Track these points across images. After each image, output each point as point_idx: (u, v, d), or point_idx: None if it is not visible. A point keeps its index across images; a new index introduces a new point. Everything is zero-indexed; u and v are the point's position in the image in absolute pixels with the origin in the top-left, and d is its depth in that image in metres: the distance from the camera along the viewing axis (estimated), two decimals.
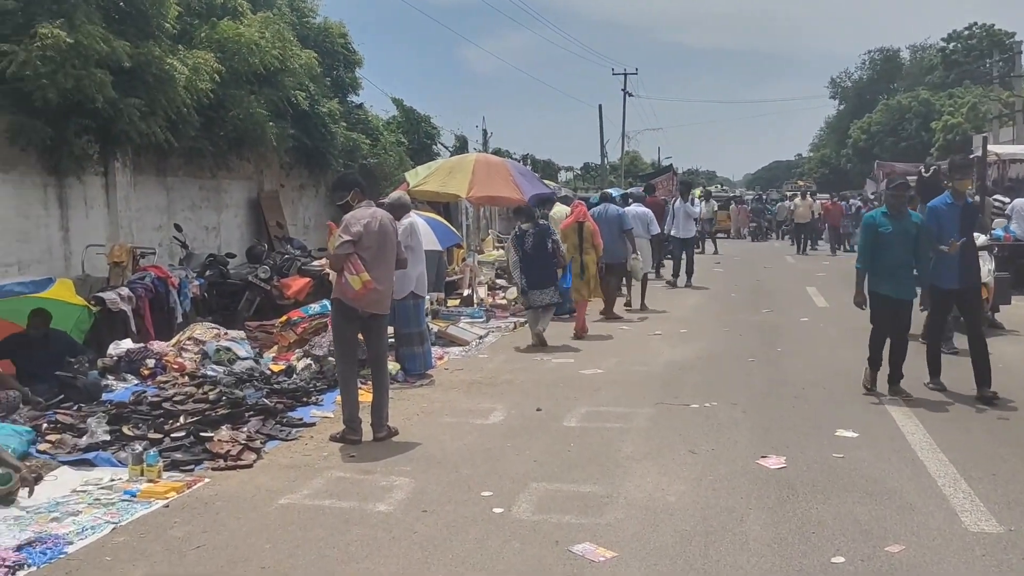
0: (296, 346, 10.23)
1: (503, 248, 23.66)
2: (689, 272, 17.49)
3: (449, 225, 13.53)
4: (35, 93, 9.71)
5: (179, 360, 8.90)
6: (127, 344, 9.07)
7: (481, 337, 11.35)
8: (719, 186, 62.54)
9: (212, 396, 7.02)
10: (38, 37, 9.62)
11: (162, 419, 6.60)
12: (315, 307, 10.89)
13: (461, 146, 27.19)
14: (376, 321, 6.77)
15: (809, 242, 27.55)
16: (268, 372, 8.62)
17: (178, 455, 5.90)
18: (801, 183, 53.74)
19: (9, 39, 9.71)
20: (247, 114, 13.13)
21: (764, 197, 49.10)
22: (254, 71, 13.54)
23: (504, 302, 14.37)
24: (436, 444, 6.44)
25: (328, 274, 13.59)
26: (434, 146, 23.98)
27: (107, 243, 11.45)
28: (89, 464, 5.86)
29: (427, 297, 12.10)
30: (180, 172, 13.53)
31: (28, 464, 5.68)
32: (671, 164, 41.01)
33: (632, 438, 6.54)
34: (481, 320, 12.48)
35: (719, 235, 31.46)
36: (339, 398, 6.90)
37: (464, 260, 16.19)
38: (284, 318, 10.63)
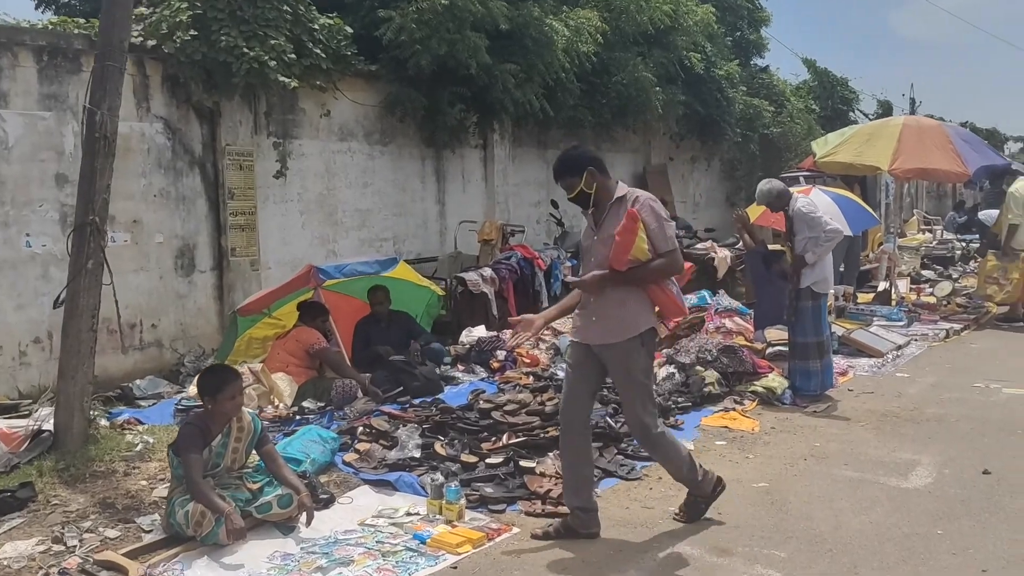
0: (667, 344, 8.79)
1: (929, 231, 20.14)
2: None
3: (863, 203, 11.12)
4: (409, 60, 9.30)
5: (532, 353, 7.89)
6: (480, 331, 8.29)
7: (899, 347, 8.96)
8: None
9: (549, 408, 5.80)
10: (414, 0, 9.17)
11: (485, 434, 5.51)
12: (692, 298, 9.36)
13: (884, 112, 23.64)
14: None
15: None
16: None
17: (489, 489, 4.74)
18: None
19: (390, 4, 9.40)
20: (632, 79, 11.86)
21: None
22: (642, 30, 12.24)
23: (932, 300, 11.58)
24: (828, 516, 4.57)
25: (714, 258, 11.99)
26: (851, 113, 20.98)
27: (482, 219, 10.94)
28: (391, 487, 4.93)
29: (831, 292, 10.00)
30: (560, 144, 12.67)
31: (325, 481, 4.91)
32: None
33: None
34: (900, 324, 9.99)
35: None
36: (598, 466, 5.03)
37: (881, 246, 13.52)
38: (656, 309, 9.22)
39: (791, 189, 10.84)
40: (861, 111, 21.59)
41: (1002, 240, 10.22)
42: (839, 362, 8.23)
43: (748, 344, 7.82)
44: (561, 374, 6.82)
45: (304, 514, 4.31)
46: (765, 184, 7.46)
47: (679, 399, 6.58)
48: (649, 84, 12.08)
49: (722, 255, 11.76)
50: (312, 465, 5.03)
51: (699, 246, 11.97)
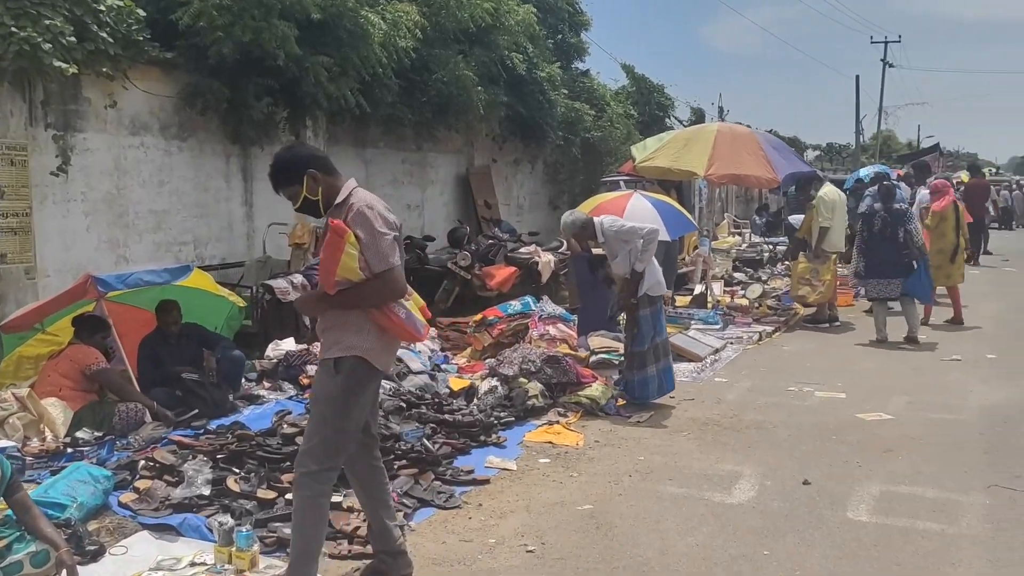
0: (490, 353, 8.47)
1: (739, 234, 21.02)
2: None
3: (681, 208, 11.27)
4: (210, 48, 8.51)
5: None
6: (288, 344, 7.65)
7: (717, 351, 9.05)
8: (992, 170, 54.76)
9: None
10: None
11: (288, 463, 4.95)
12: (515, 304, 9.06)
13: (697, 119, 24.51)
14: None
15: None
16: (446, 391, 6.86)
17: (288, 530, 4.18)
18: None
19: None
20: (452, 77, 11.48)
21: None
22: (463, 28, 11.90)
23: (745, 303, 11.92)
24: (654, 539, 4.33)
25: (537, 262, 11.80)
26: (667, 119, 21.57)
27: (293, 221, 10.23)
28: (174, 532, 4.28)
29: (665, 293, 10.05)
30: (380, 143, 12.16)
31: (95, 528, 4.20)
32: (937, 144, 35.92)
33: (966, 554, 4.12)
34: (717, 327, 10.15)
35: (992, 225, 26.70)
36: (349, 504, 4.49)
37: (696, 249, 13.85)
38: (479, 316, 8.88)
39: (613, 194, 10.91)
40: (676, 118, 22.28)
41: (813, 243, 10.59)
42: None
43: (572, 352, 7.61)
44: None
45: (64, 572, 3.61)
46: (568, 216, 7.37)
47: (502, 414, 6.23)
48: (470, 83, 11.75)
49: (546, 259, 11.60)
50: (79, 510, 4.30)
51: (523, 250, 11.75)
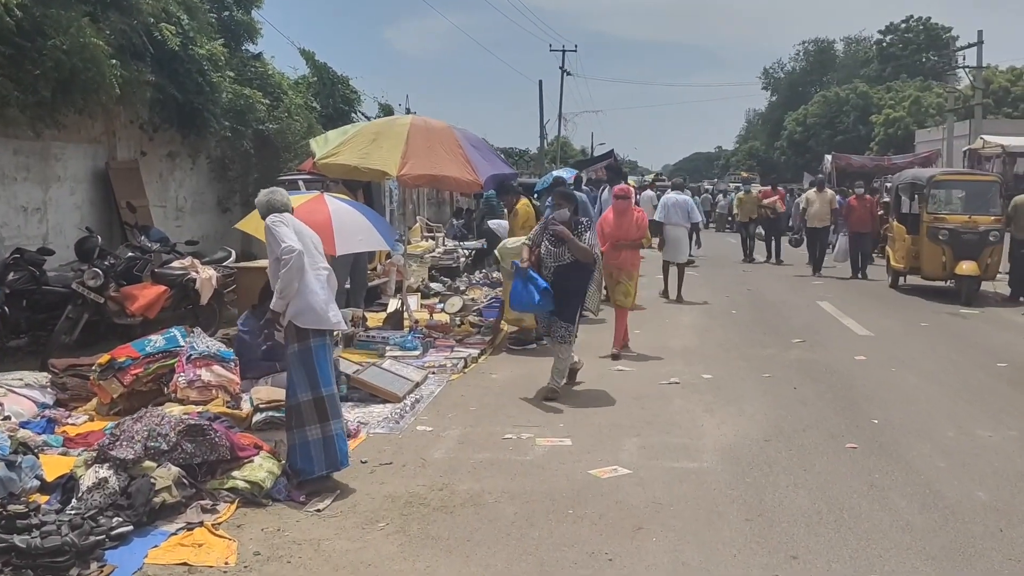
0: (125, 406, 6.35)
1: (432, 238, 19.88)
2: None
3: (373, 211, 9.69)
4: None
5: None
6: None
7: (418, 384, 7.56)
8: (648, 176, 59.17)
9: None
10: None
11: None
12: (158, 340, 6.95)
13: (386, 116, 23.11)
14: None
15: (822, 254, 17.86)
16: (33, 485, 4.67)
17: None
18: (745, 174, 51.05)
19: None
20: (76, 45, 8.97)
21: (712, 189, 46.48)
22: None
23: (445, 319, 10.58)
24: None
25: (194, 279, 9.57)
26: (353, 114, 19.93)
27: None
28: None
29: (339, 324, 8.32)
30: None
31: None
32: (612, 150, 37.55)
33: None
34: (416, 353, 8.68)
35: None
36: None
37: (389, 258, 12.35)
38: (106, 357, 6.66)
39: (304, 196, 8.96)
40: (363, 113, 20.68)
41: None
42: (348, 416, 6.52)
43: (229, 413, 5.71)
44: None
45: None
46: (264, 195, 5.45)
47: (113, 521, 4.21)
48: (102, 55, 9.29)
49: (206, 275, 9.43)
50: None
51: (176, 264, 9.49)
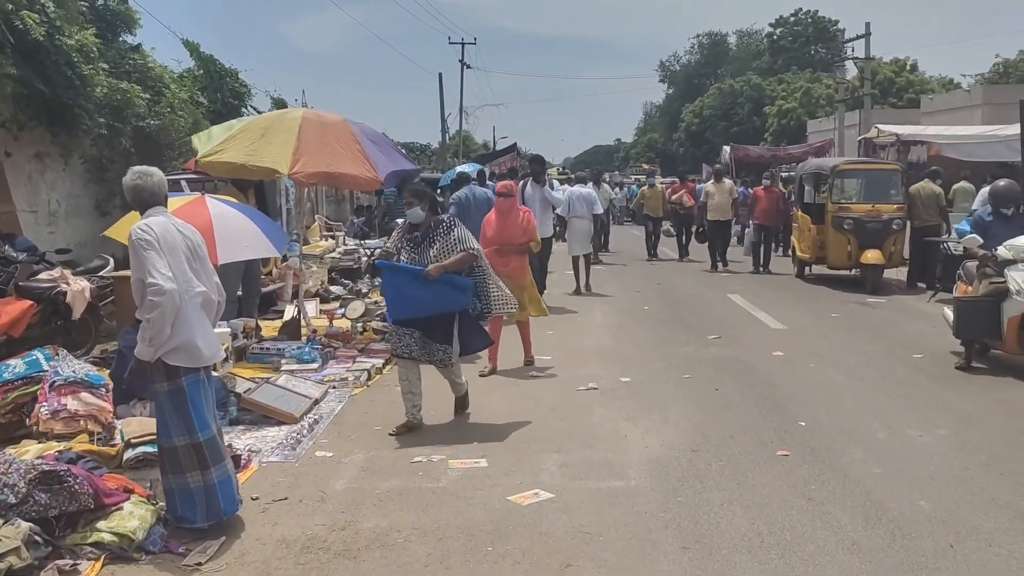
0: None
1: (332, 237, 19.10)
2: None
3: (261, 214, 8.97)
4: None
5: None
6: None
7: (316, 401, 6.94)
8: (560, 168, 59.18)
9: None
10: None
11: None
12: (17, 365, 6.16)
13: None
14: None
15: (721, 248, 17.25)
16: None
17: None
18: (647, 166, 51.55)
19: None
20: None
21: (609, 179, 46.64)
22: None
23: (346, 325, 9.92)
24: None
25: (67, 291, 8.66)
26: (244, 108, 18.92)
27: None
28: None
29: (228, 339, 7.64)
30: None
31: None
32: (515, 144, 37.19)
33: None
34: (314, 366, 8.03)
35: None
36: None
37: (285, 261, 11.59)
38: None
39: (181, 199, 8.13)
40: (255, 108, 19.67)
41: None
42: (238, 441, 5.88)
43: (95, 451, 4.99)
44: None
45: None
46: (131, 179, 4.57)
47: None
48: None
49: (78, 287, 8.54)
50: None
51: (43, 277, 8.58)
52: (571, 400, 7.14)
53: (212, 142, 8.79)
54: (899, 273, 14.19)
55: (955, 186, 16.67)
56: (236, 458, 5.28)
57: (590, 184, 16.68)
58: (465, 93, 55.87)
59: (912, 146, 19.58)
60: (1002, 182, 8.59)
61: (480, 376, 7.83)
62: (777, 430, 6.19)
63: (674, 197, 18.90)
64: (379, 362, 8.37)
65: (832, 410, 6.71)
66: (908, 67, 53.64)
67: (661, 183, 21.70)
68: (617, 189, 38.65)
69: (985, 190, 13.02)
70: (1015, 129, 18.73)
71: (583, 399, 7.18)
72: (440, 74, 52.59)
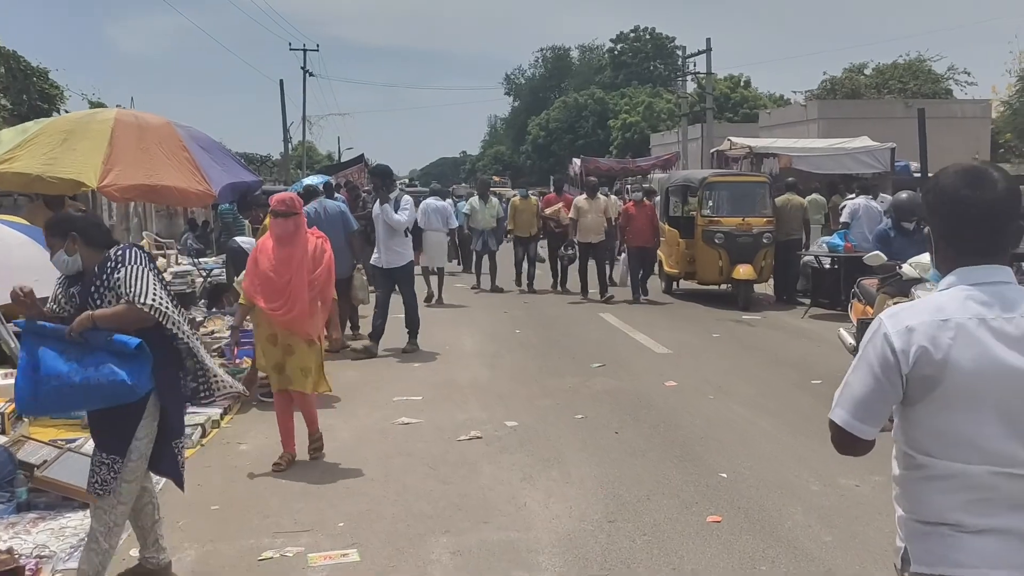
0: None
1: (163, 256, 17.15)
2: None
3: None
4: None
5: None
6: None
7: None
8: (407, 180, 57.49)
9: None
10: None
11: None
12: None
13: None
14: None
15: (608, 270, 14.97)
16: None
17: None
18: (498, 178, 50.98)
19: None
20: None
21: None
22: None
23: None
24: None
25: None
26: (55, 112, 16.76)
27: None
28: None
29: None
30: None
31: None
32: (362, 155, 35.71)
33: None
34: None
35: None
36: None
37: None
38: None
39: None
40: (68, 112, 17.49)
41: None
42: (24, 540, 4.45)
43: None
44: None
45: None
46: None
47: None
48: None
49: None
50: None
51: None
52: (452, 454, 6.03)
53: (1, 149, 7.16)
54: (766, 287, 13.90)
55: (807, 198, 16.70)
56: (17, 571, 3.91)
57: (448, 200, 15.84)
58: (309, 103, 53.73)
59: (764, 158, 19.61)
60: (904, 194, 8.17)
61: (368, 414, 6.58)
62: (698, 486, 5.31)
63: (548, 211, 15.43)
64: (215, 413, 6.97)
65: (750, 456, 5.90)
66: (742, 83, 55.86)
67: (533, 195, 17.46)
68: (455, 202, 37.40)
69: (856, 202, 12.88)
70: (861, 142, 19.25)
71: (466, 452, 6.08)
72: (281, 80, 50.04)
